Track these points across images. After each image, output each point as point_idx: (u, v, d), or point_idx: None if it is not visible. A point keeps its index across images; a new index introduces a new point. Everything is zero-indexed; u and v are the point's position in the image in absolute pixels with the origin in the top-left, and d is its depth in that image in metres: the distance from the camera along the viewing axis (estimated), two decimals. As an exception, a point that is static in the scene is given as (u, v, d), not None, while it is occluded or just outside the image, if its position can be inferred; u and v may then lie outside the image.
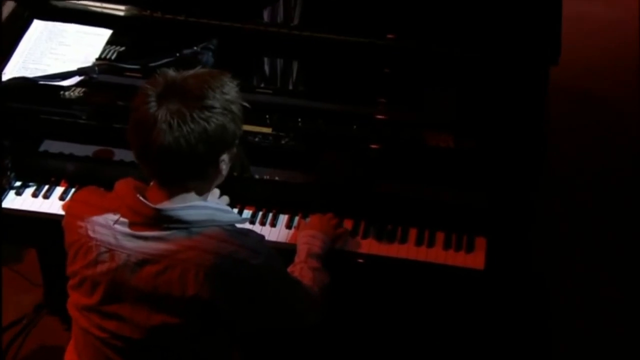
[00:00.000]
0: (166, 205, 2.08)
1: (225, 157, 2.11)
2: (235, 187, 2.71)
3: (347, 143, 2.82)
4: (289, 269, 2.47)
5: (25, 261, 3.73)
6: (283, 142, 2.78)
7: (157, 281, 2.09)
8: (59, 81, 2.75)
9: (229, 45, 2.89)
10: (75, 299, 2.20)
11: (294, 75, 3.04)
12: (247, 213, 2.88)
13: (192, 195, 2.13)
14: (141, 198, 2.09)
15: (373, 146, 2.84)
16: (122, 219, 2.11)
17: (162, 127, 1.99)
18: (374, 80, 2.96)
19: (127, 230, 2.10)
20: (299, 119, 2.84)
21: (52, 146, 2.94)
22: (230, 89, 2.08)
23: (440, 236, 2.81)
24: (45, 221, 2.85)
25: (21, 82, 2.73)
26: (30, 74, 2.85)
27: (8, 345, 3.39)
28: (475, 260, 2.74)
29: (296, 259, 2.52)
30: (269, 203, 2.90)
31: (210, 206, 2.15)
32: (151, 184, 2.14)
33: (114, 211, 2.12)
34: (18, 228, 2.90)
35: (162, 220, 2.09)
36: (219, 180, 2.20)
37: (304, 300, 2.32)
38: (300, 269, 2.46)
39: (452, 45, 2.94)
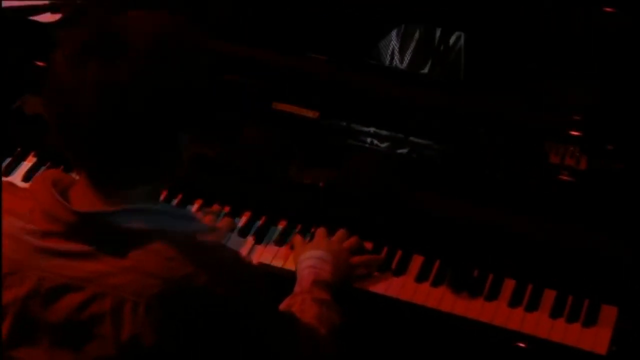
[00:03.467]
0: (94, 208, 1.78)
1: (184, 136, 1.79)
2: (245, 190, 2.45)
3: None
4: (285, 303, 2.17)
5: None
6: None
7: (80, 316, 1.77)
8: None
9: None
10: None
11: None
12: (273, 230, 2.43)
13: (135, 193, 1.81)
14: (60, 198, 1.78)
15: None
16: (35, 228, 1.82)
17: (92, 91, 1.70)
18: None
19: (40, 243, 1.80)
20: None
21: (29, 104, 2.67)
22: (188, 38, 1.79)
23: (548, 296, 2.29)
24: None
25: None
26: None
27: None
28: (597, 339, 2.25)
29: (296, 289, 2.22)
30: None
31: (161, 210, 1.83)
32: (78, 178, 1.85)
33: (27, 216, 1.84)
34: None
35: (87, 230, 1.77)
36: (176, 174, 1.87)
37: (300, 348, 1.99)
38: (302, 302, 2.14)
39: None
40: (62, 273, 1.78)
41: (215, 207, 2.41)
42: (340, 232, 2.33)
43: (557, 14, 2.44)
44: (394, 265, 2.28)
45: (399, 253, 2.31)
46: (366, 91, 2.40)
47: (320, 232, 2.34)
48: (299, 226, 2.38)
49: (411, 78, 2.48)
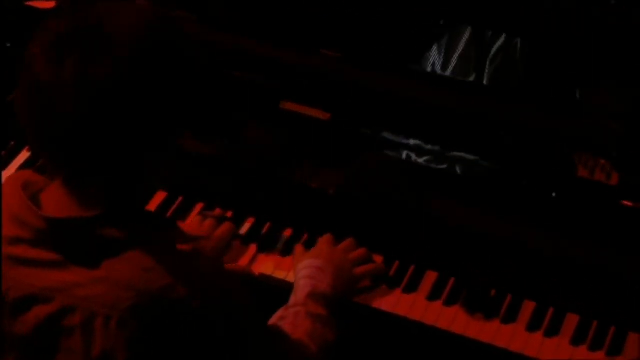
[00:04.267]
0: (67, 214, 1.71)
1: (172, 137, 1.73)
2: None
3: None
4: (277, 315, 2.09)
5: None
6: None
7: (49, 329, 1.71)
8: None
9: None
10: None
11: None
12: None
13: (115, 199, 1.73)
14: (29, 202, 1.72)
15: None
16: (4, 234, 1.76)
17: (70, 88, 1.62)
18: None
19: (7, 250, 1.74)
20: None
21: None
22: (173, 32, 1.71)
23: (571, 321, 2.15)
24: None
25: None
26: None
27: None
28: (621, 370, 2.10)
29: (291, 300, 2.13)
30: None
31: (140, 217, 1.76)
32: (54, 181, 1.77)
33: None
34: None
35: (57, 237, 1.70)
36: (163, 178, 1.80)
37: None
38: (295, 316, 2.07)
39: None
40: (30, 283, 1.71)
41: (217, 211, 2.30)
42: (348, 242, 2.23)
43: (596, 19, 2.31)
44: (405, 282, 2.14)
45: (412, 268, 2.18)
46: (383, 92, 2.28)
47: (325, 239, 2.24)
48: (306, 235, 2.25)
49: (432, 79, 2.37)
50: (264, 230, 2.25)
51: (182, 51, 1.69)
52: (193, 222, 2.23)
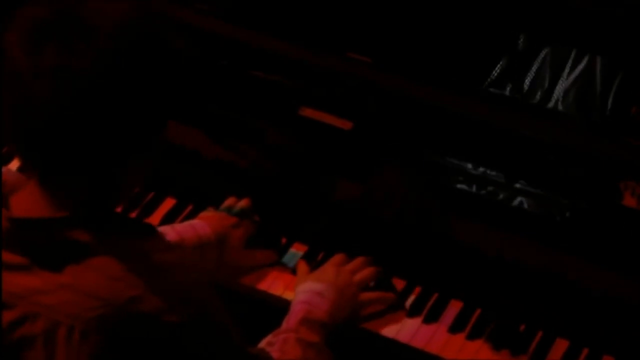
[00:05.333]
0: (34, 214, 1.64)
1: (156, 134, 1.66)
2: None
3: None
4: (266, 340, 2.00)
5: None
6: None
7: (10, 337, 1.63)
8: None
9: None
10: None
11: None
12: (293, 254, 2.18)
13: (92, 200, 1.65)
14: None
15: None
16: None
17: (48, 79, 1.57)
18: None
19: None
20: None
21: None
22: (159, 23, 1.65)
23: None
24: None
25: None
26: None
27: None
28: None
29: (283, 325, 2.05)
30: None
31: (116, 220, 1.71)
32: (30, 181, 1.71)
33: None
34: None
35: (23, 239, 1.63)
36: (145, 179, 1.74)
37: None
38: (284, 342, 1.98)
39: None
40: None
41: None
42: (357, 261, 2.12)
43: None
44: (426, 310, 2.00)
45: (435, 296, 2.04)
46: (413, 103, 2.15)
47: (335, 259, 2.14)
48: (322, 254, 2.14)
49: (463, 90, 2.22)
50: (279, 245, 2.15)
51: (168, 44, 1.63)
52: (215, 216, 2.15)
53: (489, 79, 2.23)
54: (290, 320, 2.05)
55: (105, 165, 1.62)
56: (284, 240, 2.17)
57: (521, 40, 2.24)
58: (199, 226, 2.10)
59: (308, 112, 2.10)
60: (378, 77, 2.15)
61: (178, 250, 1.89)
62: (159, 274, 1.64)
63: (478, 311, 2.05)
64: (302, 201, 2.19)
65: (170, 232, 2.07)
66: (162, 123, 1.65)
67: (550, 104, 2.24)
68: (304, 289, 2.07)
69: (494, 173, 2.11)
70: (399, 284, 2.07)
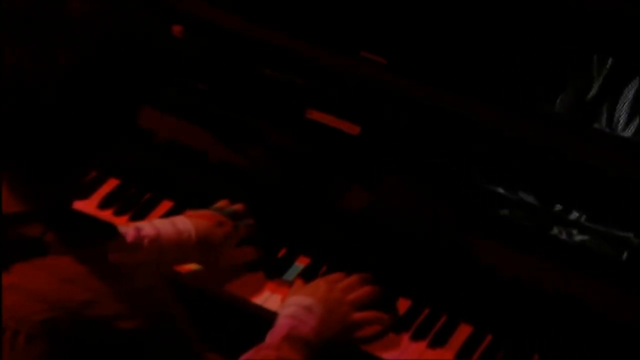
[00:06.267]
0: None
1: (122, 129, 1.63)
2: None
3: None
4: (245, 357, 1.94)
5: None
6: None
7: None
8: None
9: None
10: None
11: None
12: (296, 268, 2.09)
13: (43, 194, 1.61)
14: None
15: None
16: None
17: (13, 72, 1.52)
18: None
19: None
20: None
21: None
22: (140, 26, 1.60)
23: None
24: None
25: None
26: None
27: None
28: None
29: (267, 339, 1.99)
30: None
31: (75, 217, 1.63)
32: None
33: None
34: None
35: None
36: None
37: None
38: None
39: None
40: None
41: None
42: (353, 279, 2.03)
43: None
44: (432, 334, 1.88)
45: (443, 319, 1.93)
46: (426, 108, 2.02)
47: (331, 276, 2.06)
48: (325, 267, 2.04)
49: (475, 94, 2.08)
50: (278, 255, 2.05)
51: (149, 42, 1.59)
52: (201, 213, 2.09)
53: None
54: (274, 336, 1.99)
55: (73, 160, 1.56)
56: (284, 251, 2.08)
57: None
58: (179, 221, 2.05)
59: (315, 115, 2.01)
60: (395, 81, 2.05)
61: (140, 253, 1.84)
62: (115, 277, 1.58)
63: (488, 337, 1.93)
64: (305, 209, 2.10)
65: (147, 226, 2.03)
66: (132, 120, 1.59)
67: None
68: (292, 302, 2.00)
69: (521, 193, 2.01)
70: (405, 303, 1.96)
